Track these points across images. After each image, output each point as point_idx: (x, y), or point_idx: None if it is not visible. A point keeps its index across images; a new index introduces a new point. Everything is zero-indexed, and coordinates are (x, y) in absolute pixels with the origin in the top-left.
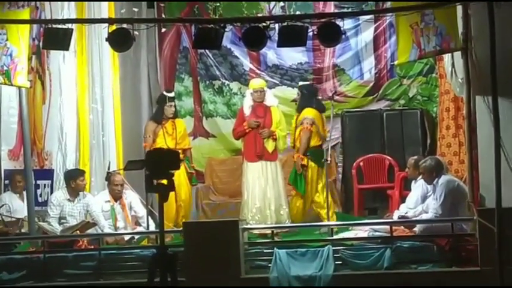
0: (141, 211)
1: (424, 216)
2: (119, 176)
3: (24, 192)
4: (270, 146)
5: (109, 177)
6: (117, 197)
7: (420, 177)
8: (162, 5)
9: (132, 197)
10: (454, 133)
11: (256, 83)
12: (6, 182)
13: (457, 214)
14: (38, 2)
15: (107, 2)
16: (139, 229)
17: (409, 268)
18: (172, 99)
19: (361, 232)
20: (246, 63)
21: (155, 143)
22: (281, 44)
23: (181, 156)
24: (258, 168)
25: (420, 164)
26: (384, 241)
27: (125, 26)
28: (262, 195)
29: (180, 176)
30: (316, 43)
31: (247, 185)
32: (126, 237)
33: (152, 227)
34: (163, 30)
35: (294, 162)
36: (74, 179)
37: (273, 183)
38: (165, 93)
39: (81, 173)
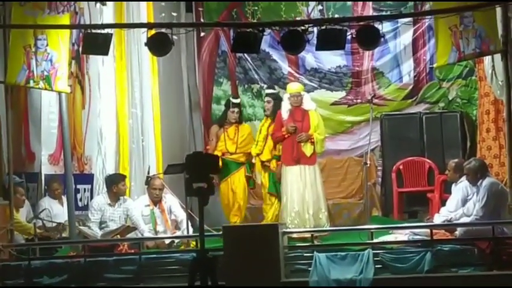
0: (181, 215)
1: (465, 220)
2: (159, 180)
3: (64, 197)
4: (307, 149)
5: (148, 181)
6: (156, 201)
7: (460, 180)
8: (200, 9)
9: (171, 201)
10: (495, 136)
11: (292, 87)
12: (46, 186)
13: (498, 217)
14: (77, 7)
15: (146, 7)
16: (179, 233)
17: (450, 271)
18: (236, 105)
19: (401, 236)
20: (285, 67)
21: (217, 145)
22: (320, 47)
23: (243, 160)
24: (296, 173)
25: (464, 165)
26: (424, 244)
27: (163, 30)
28: (301, 199)
29: (240, 178)
30: (355, 46)
31: (286, 189)
32: (167, 241)
33: (191, 231)
34: (202, 34)
35: (271, 171)
36: (116, 184)
37: (311, 187)
38: (230, 98)
39: (123, 177)
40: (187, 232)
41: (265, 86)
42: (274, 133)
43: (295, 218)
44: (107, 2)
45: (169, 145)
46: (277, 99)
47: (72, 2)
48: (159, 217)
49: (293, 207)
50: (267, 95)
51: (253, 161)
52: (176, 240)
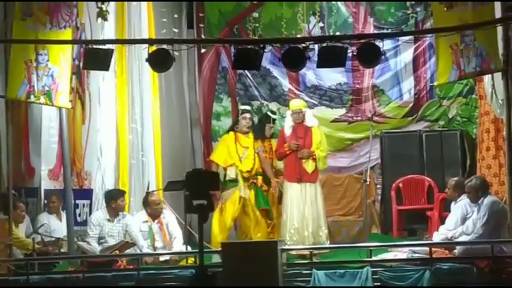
0: (176, 233)
1: (464, 238)
2: (155, 195)
3: (63, 212)
4: (309, 166)
5: (146, 197)
6: (158, 214)
7: (460, 198)
8: (201, 25)
9: (169, 218)
10: (494, 154)
11: (294, 104)
12: (46, 201)
13: (498, 236)
14: (79, 23)
15: (147, 23)
16: (174, 249)
17: None
18: (273, 120)
19: (400, 253)
20: (285, 84)
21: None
22: (320, 64)
23: None
24: (297, 189)
25: (466, 182)
26: (423, 263)
27: (164, 46)
28: (301, 216)
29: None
30: (356, 64)
31: (286, 206)
32: (162, 258)
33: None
34: (202, 50)
35: (257, 187)
36: (115, 199)
37: (311, 205)
38: (269, 113)
39: (122, 193)
40: (186, 249)
41: (265, 102)
42: (277, 149)
43: (293, 235)
44: (109, 18)
45: (170, 161)
46: (252, 115)
47: (74, 18)
48: (157, 233)
49: (292, 224)
50: (244, 111)
51: (235, 176)
52: (167, 257)
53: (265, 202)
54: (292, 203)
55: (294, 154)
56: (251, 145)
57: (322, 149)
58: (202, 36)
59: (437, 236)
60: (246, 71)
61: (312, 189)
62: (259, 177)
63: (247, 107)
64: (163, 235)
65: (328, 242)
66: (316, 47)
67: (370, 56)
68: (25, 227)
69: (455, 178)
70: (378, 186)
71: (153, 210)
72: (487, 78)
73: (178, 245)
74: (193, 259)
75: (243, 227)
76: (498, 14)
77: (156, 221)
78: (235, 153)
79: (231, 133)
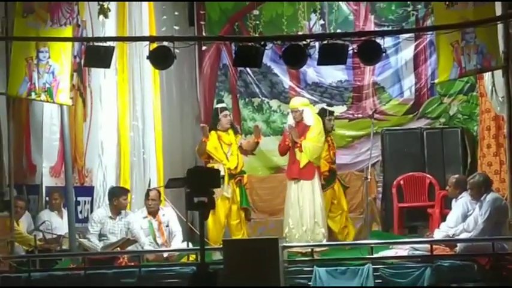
0: (175, 229)
1: (465, 236)
2: (154, 191)
3: (64, 209)
4: (302, 159)
5: (147, 194)
6: (152, 211)
7: (461, 195)
8: (202, 22)
9: (170, 216)
10: (495, 152)
11: (292, 103)
12: (47, 198)
13: (499, 233)
14: (79, 20)
15: (148, 21)
16: (173, 247)
17: (450, 287)
18: (329, 112)
19: (401, 251)
20: (286, 81)
21: None
22: (321, 62)
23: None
24: (294, 187)
25: (468, 179)
26: (424, 260)
27: (165, 44)
28: (297, 214)
29: None
30: (356, 61)
31: (286, 203)
32: (164, 255)
33: (184, 244)
34: (203, 48)
35: (243, 185)
36: (117, 197)
37: (308, 203)
38: (325, 106)
39: (125, 191)
40: (187, 246)
41: (266, 99)
42: (280, 144)
43: (289, 232)
44: (110, 15)
45: (171, 158)
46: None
47: (75, 15)
48: (156, 229)
49: (288, 222)
50: (223, 109)
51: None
52: (165, 255)
53: (247, 201)
54: (288, 201)
55: (292, 151)
56: (233, 141)
57: (312, 140)
58: (203, 34)
59: (438, 233)
60: (246, 69)
61: (309, 186)
62: (245, 176)
63: (224, 105)
64: (161, 234)
65: (326, 240)
66: (317, 44)
67: (371, 53)
68: (26, 223)
69: (456, 175)
70: (379, 183)
71: (147, 207)
72: (487, 75)
73: (177, 243)
74: (194, 256)
75: (227, 225)
76: (499, 11)
77: (154, 217)
78: (221, 151)
79: (212, 132)
